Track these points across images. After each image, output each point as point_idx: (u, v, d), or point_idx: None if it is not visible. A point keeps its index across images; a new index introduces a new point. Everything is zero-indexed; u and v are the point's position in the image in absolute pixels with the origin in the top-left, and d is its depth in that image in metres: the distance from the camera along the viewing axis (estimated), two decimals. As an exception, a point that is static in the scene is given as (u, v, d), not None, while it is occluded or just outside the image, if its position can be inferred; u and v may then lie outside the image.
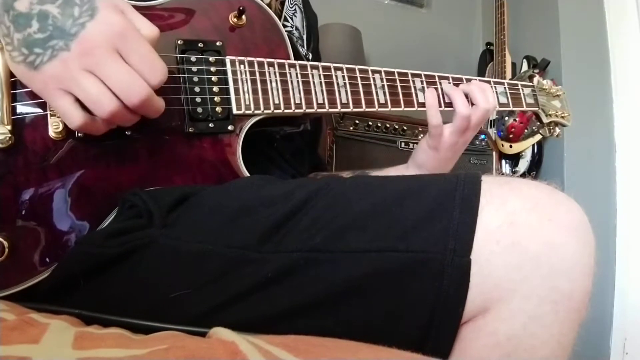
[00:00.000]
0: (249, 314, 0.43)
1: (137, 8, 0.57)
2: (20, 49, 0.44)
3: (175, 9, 0.60)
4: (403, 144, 1.51)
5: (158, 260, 0.46)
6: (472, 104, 0.74)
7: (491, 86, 0.79)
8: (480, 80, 0.78)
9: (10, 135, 0.48)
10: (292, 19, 0.81)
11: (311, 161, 0.90)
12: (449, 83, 0.76)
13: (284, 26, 0.78)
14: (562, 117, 0.91)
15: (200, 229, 0.48)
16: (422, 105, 0.73)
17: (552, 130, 0.91)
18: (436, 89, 0.74)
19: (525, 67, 1.84)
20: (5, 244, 0.47)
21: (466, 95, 0.74)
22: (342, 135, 1.41)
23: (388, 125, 1.50)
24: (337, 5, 1.90)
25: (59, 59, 0.44)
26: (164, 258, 0.46)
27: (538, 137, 1.69)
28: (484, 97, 0.74)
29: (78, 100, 0.45)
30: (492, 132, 1.81)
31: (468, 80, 0.77)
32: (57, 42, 0.43)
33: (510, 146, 1.74)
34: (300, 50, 0.80)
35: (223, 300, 0.44)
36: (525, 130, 1.69)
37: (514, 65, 1.92)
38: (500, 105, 0.80)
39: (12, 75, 0.48)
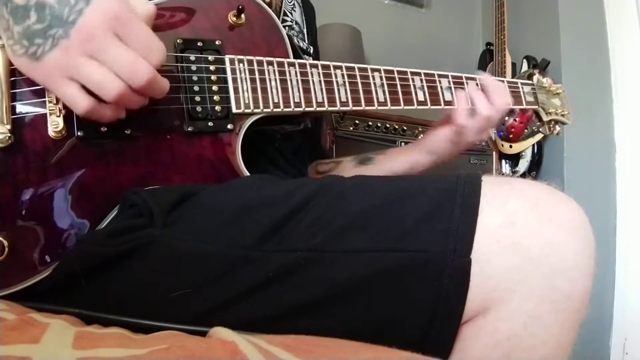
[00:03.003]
0: (249, 313, 0.43)
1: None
2: (21, 41, 0.44)
3: (174, 8, 0.60)
4: (403, 144, 1.51)
5: (158, 259, 0.46)
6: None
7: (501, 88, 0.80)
8: (494, 79, 0.79)
9: (9, 134, 0.47)
10: (291, 13, 0.81)
11: (314, 156, 0.91)
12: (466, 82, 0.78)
13: (284, 21, 0.78)
14: (562, 115, 0.91)
15: (201, 229, 0.48)
16: (422, 103, 0.73)
17: (552, 129, 0.92)
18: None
19: (525, 67, 1.84)
20: (6, 243, 0.47)
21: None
22: (342, 135, 1.42)
23: (388, 125, 1.50)
24: (337, 5, 1.90)
25: (60, 48, 0.44)
26: (164, 257, 0.46)
27: (538, 137, 1.69)
28: (501, 96, 0.78)
29: (83, 87, 0.46)
30: (492, 132, 1.81)
31: (468, 79, 0.78)
32: (56, 31, 0.44)
33: (510, 146, 1.74)
34: (301, 44, 0.80)
35: (224, 299, 0.44)
36: (525, 130, 1.69)
37: (514, 65, 1.92)
38: None
39: (12, 74, 0.48)
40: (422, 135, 1.50)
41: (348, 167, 0.87)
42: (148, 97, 0.51)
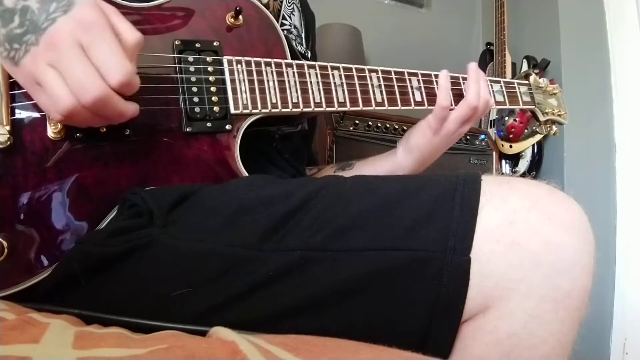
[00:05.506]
0: (249, 313, 0.43)
1: (134, 9, 0.57)
2: (4, 44, 0.44)
3: (172, 9, 0.60)
4: (403, 144, 1.50)
5: (158, 259, 0.46)
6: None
7: (487, 85, 0.80)
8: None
9: (9, 135, 0.48)
10: (290, 17, 0.81)
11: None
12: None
13: (283, 24, 0.78)
14: (559, 115, 0.91)
15: (201, 228, 0.48)
16: (419, 103, 0.73)
17: (549, 128, 0.92)
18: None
19: (525, 67, 1.84)
20: (5, 244, 0.47)
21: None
22: (342, 135, 1.41)
23: (388, 125, 1.50)
24: (337, 5, 1.90)
25: (30, 54, 0.44)
26: (164, 257, 0.46)
27: (538, 137, 1.69)
28: (485, 87, 0.76)
29: None
30: (492, 132, 1.81)
31: (464, 79, 0.78)
32: (30, 37, 0.44)
33: (510, 146, 1.74)
34: (299, 48, 0.80)
35: (224, 299, 0.44)
36: (525, 130, 1.69)
37: (514, 65, 1.92)
38: (497, 103, 0.81)
39: (10, 76, 0.48)
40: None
41: (328, 173, 0.86)
42: (106, 119, 0.48)
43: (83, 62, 0.43)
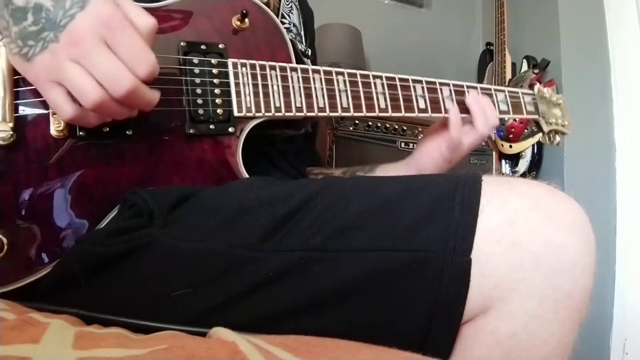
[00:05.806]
0: (249, 313, 0.43)
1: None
2: (16, 41, 0.45)
3: (178, 11, 0.60)
4: (403, 144, 1.51)
5: (158, 259, 0.46)
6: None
7: (492, 93, 0.80)
8: (481, 88, 0.78)
9: (12, 132, 0.48)
10: (289, 15, 0.81)
11: (309, 158, 0.91)
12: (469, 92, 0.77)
13: (282, 23, 0.78)
14: (563, 125, 0.91)
15: (201, 229, 0.48)
16: (422, 111, 0.73)
17: (552, 139, 0.91)
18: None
19: (525, 67, 1.84)
20: (5, 240, 0.47)
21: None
22: (342, 135, 1.42)
23: (388, 125, 1.50)
24: (337, 5, 1.90)
25: (48, 51, 0.44)
26: (164, 257, 0.46)
27: (538, 137, 1.69)
28: (492, 114, 0.77)
29: (70, 93, 0.45)
30: (492, 132, 1.81)
31: (469, 87, 0.77)
32: (47, 34, 0.44)
33: (510, 146, 1.74)
34: (300, 47, 0.80)
35: (223, 299, 0.44)
36: (525, 130, 1.69)
37: (514, 65, 1.92)
38: (501, 112, 0.81)
39: (15, 73, 0.48)
40: (421, 136, 1.50)
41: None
42: (134, 108, 0.49)
43: (110, 57, 0.44)
